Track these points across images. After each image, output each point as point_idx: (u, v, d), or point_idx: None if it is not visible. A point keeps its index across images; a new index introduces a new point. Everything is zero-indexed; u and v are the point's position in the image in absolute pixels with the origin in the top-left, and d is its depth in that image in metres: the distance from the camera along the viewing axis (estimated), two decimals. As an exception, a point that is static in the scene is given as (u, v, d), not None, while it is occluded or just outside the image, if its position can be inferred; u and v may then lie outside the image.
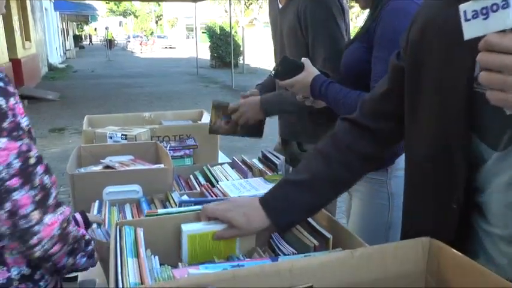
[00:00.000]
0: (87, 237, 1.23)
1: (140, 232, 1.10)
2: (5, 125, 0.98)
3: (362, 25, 1.56)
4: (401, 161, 1.48)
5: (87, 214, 1.38)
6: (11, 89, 1.02)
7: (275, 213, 1.14)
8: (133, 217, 1.47)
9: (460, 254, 0.92)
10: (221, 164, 1.97)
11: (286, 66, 1.56)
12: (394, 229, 1.51)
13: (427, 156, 0.99)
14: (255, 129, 2.12)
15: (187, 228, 1.13)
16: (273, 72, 1.61)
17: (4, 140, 0.97)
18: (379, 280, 0.96)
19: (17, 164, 0.98)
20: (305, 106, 1.65)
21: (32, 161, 1.02)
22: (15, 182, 0.98)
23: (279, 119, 2.22)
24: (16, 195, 0.98)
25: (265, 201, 1.15)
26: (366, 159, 1.18)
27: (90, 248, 1.22)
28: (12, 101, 1.01)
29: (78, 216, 1.36)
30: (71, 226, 1.12)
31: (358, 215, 1.60)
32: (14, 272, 1.10)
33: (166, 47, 43.76)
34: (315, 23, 1.77)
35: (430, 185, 1.01)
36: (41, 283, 1.16)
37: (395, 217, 1.51)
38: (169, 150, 2.08)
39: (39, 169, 1.04)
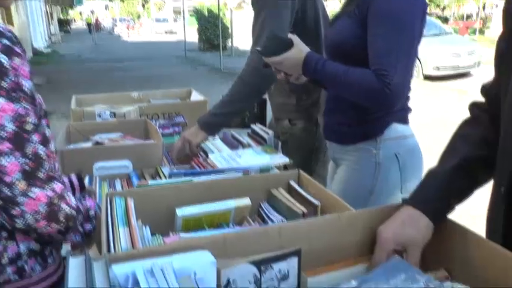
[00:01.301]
0: (91, 212, 1.15)
1: (131, 202, 1.11)
2: (4, 84, 0.92)
3: (347, 0, 1.54)
4: (390, 131, 1.49)
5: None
6: (17, 49, 0.96)
7: (440, 216, 0.99)
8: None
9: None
10: (213, 139, 1.97)
11: (274, 43, 1.52)
12: (374, 196, 1.52)
13: None
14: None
15: (182, 213, 1.12)
16: (259, 49, 1.58)
17: (0, 99, 0.92)
18: (365, 242, 0.98)
19: (10, 127, 0.93)
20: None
21: (29, 127, 0.95)
22: (5, 146, 0.92)
23: (270, 101, 2.23)
24: (3, 161, 0.92)
25: (425, 207, 0.98)
26: None
27: (89, 227, 1.14)
28: (17, 61, 0.95)
29: (74, 178, 1.30)
30: (64, 204, 1.01)
31: (341, 181, 1.60)
32: (22, 247, 1.06)
33: (166, 32, 39.41)
34: None
35: None
36: (49, 260, 1.12)
37: (378, 186, 1.52)
38: (158, 128, 2.09)
39: (35, 137, 0.97)
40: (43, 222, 0.97)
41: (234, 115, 1.93)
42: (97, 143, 1.74)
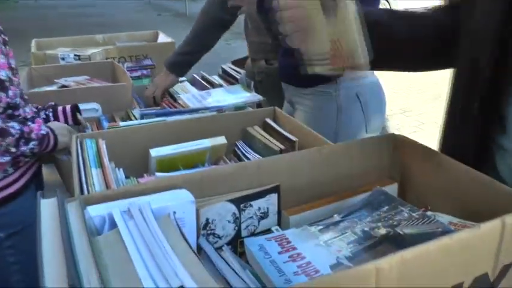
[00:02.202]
0: (31, 135, 1.20)
1: (102, 144, 1.07)
2: None
3: None
4: (350, 73, 1.44)
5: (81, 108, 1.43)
6: None
7: None
8: (93, 135, 1.43)
9: (423, 145, 0.94)
10: (181, 81, 1.92)
11: None
12: (340, 137, 1.48)
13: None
14: None
15: (156, 153, 1.09)
16: None
17: None
18: (345, 175, 0.97)
19: None
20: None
21: None
22: None
23: (246, 40, 2.16)
24: None
25: None
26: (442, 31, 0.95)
27: (24, 148, 1.19)
28: None
29: (68, 108, 1.41)
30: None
31: None
32: None
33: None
34: None
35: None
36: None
37: (342, 129, 1.48)
38: (126, 71, 2.01)
39: None
40: None
41: (200, 51, 1.85)
42: (63, 86, 1.66)
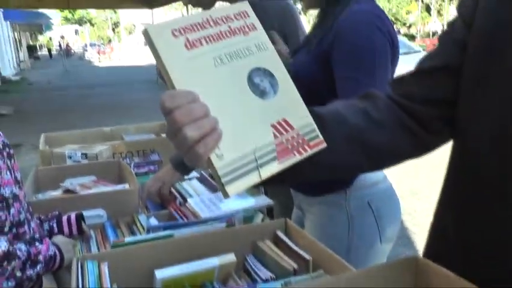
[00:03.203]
0: (39, 257, 1.13)
1: (105, 268, 1.01)
2: None
3: (310, 33, 1.43)
4: (359, 180, 1.37)
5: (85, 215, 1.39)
6: None
7: None
8: (98, 245, 1.38)
9: (449, 271, 0.88)
10: (189, 179, 1.88)
11: None
12: (353, 252, 1.38)
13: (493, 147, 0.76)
14: None
15: (162, 275, 1.01)
16: None
17: None
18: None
19: None
20: None
21: None
22: None
23: None
24: None
25: None
26: (406, 127, 0.87)
27: (30, 272, 1.12)
28: None
29: (73, 218, 1.37)
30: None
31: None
32: None
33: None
34: None
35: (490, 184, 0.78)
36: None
37: (355, 241, 1.39)
38: (133, 167, 1.99)
39: None
40: None
41: None
42: (68, 191, 1.63)
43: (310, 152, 0.76)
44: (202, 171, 1.91)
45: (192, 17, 0.74)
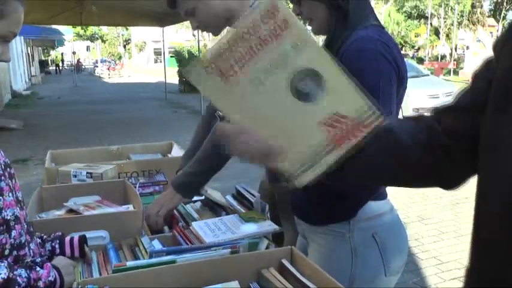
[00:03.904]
0: (39, 283, 1.10)
1: (106, 293, 0.99)
2: None
3: None
4: (364, 211, 1.34)
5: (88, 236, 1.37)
6: None
7: None
8: (99, 267, 1.35)
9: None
10: (194, 201, 1.86)
11: None
12: (357, 284, 1.34)
13: None
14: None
15: None
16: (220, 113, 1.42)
17: None
18: None
19: None
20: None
21: None
22: None
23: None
24: None
25: None
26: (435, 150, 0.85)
27: None
28: None
29: (75, 240, 1.35)
30: None
31: None
32: None
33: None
34: None
35: None
36: None
37: (358, 273, 1.35)
38: (138, 187, 1.98)
39: None
40: None
41: (212, 172, 1.69)
42: (71, 210, 1.61)
43: (365, 132, 0.80)
44: (205, 195, 1.89)
45: (219, 43, 0.76)
